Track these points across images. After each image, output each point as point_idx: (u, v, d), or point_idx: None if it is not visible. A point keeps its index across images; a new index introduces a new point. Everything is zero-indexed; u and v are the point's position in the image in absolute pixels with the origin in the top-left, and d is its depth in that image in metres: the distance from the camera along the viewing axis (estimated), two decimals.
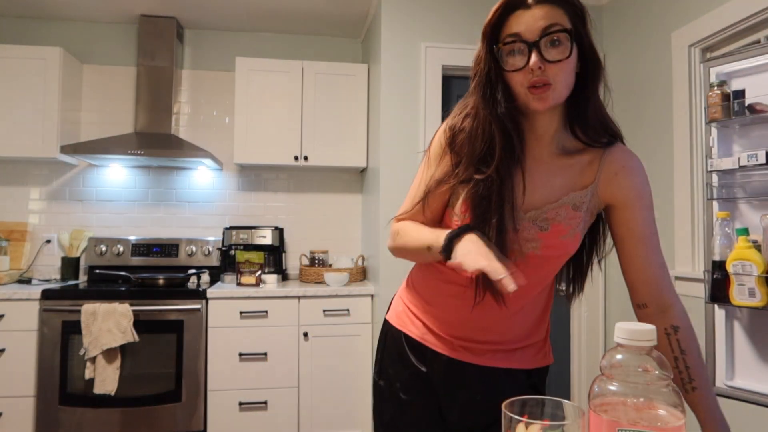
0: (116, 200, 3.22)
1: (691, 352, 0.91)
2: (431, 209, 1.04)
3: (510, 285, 0.76)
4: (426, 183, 1.04)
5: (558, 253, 0.98)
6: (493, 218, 0.91)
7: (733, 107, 1.62)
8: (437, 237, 0.94)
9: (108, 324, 2.49)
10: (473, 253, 0.83)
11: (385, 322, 1.19)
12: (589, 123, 0.97)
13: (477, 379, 1.05)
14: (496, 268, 0.78)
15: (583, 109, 0.96)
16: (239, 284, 2.86)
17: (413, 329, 1.11)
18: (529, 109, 0.91)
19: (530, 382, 1.08)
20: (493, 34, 0.91)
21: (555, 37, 0.86)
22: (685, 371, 0.90)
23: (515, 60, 0.88)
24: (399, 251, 1.08)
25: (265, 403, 2.69)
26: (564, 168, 0.97)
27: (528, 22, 0.86)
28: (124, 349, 2.54)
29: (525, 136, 0.96)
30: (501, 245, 0.91)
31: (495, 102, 0.92)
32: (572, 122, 0.97)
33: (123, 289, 2.68)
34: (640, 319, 0.98)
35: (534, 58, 0.85)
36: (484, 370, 1.05)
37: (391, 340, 1.15)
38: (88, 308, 2.50)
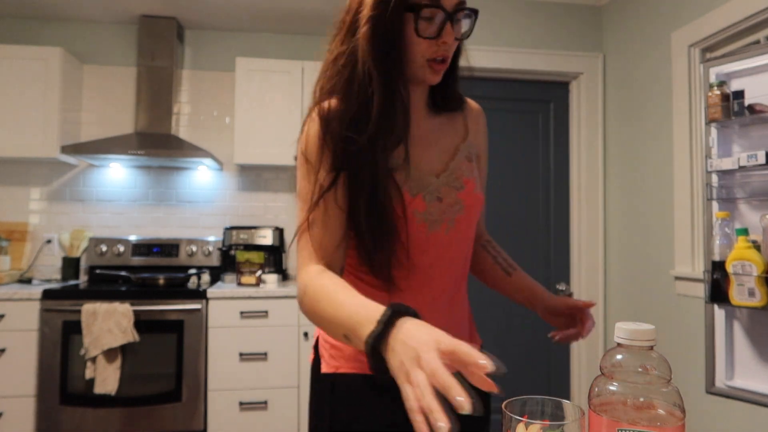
0: (116, 200, 3.22)
1: (500, 250, 1.11)
2: (337, 213, 0.85)
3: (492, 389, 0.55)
4: (318, 184, 0.84)
5: (476, 211, 0.95)
6: (381, 187, 0.82)
7: (732, 107, 1.63)
8: (355, 324, 0.67)
9: (108, 324, 2.49)
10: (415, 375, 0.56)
11: (323, 376, 0.93)
12: (451, 95, 0.97)
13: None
14: (453, 385, 0.52)
15: (450, 84, 0.94)
16: (239, 284, 2.86)
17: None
18: (420, 79, 0.87)
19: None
20: None
21: (463, 15, 0.83)
22: (504, 262, 1.08)
23: (426, 27, 0.81)
24: (310, 316, 0.81)
25: (265, 403, 2.69)
26: (442, 126, 0.97)
27: None
28: (124, 349, 2.54)
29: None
30: (385, 217, 0.82)
31: (391, 62, 0.82)
32: (435, 93, 0.96)
33: (123, 289, 2.68)
34: None
35: (449, 30, 0.81)
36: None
37: (342, 392, 0.91)
38: (88, 308, 2.50)
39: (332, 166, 0.84)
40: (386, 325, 0.62)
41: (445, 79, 0.90)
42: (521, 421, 0.56)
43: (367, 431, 0.87)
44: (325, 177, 0.84)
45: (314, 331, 1.00)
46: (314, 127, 0.89)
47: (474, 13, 0.84)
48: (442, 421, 0.50)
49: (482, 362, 0.53)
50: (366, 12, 0.82)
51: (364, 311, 0.67)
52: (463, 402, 0.51)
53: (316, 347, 0.97)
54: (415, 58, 0.84)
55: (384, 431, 0.87)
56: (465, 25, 0.85)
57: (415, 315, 0.64)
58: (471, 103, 1.03)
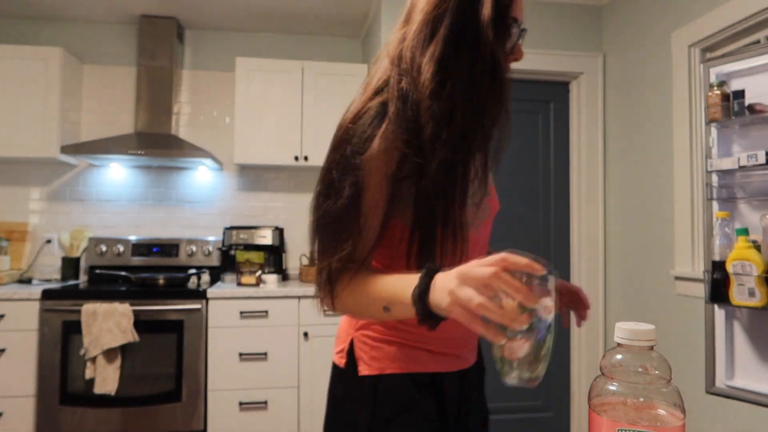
0: (116, 200, 3.22)
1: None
2: (372, 230, 0.83)
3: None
4: (374, 194, 0.80)
5: (493, 213, 0.96)
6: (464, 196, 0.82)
7: (732, 107, 1.62)
8: (396, 291, 0.74)
9: (108, 324, 2.49)
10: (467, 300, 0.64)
11: (363, 378, 0.92)
12: None
13: (475, 379, 1.03)
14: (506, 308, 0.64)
15: None
16: (239, 284, 2.86)
17: (418, 365, 0.92)
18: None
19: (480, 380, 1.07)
20: (506, 5, 0.81)
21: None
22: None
23: (509, 42, 0.83)
24: (346, 313, 0.87)
25: (265, 403, 2.69)
26: None
27: (522, 10, 0.84)
28: (124, 349, 2.54)
29: None
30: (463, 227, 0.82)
31: (497, 70, 0.81)
32: None
33: (123, 289, 2.68)
34: None
35: (520, 48, 0.84)
36: (474, 370, 1.02)
37: (386, 393, 0.91)
38: (88, 308, 2.50)
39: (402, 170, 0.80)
40: (428, 277, 0.70)
41: None
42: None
43: (409, 429, 0.89)
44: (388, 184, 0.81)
45: (341, 336, 0.99)
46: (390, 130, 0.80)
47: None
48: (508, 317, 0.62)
49: (537, 266, 0.64)
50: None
51: (403, 280, 0.74)
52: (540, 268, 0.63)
53: (350, 352, 0.95)
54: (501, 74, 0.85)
55: (425, 428, 0.89)
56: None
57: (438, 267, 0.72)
58: None
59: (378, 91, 0.84)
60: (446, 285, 0.66)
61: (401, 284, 0.74)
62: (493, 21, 0.78)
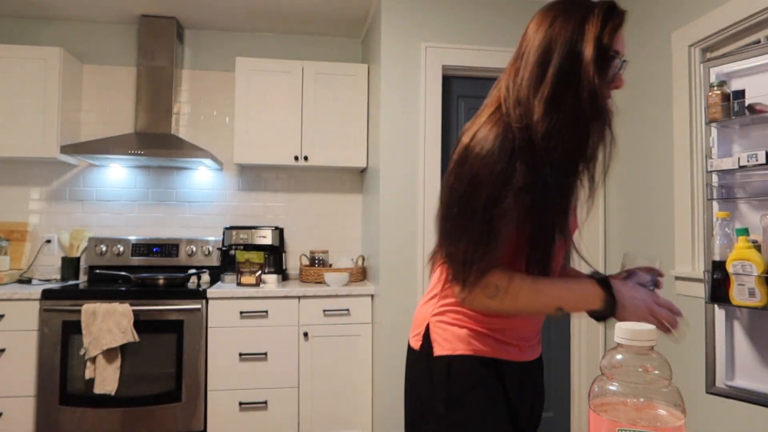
0: (116, 200, 3.22)
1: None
2: (505, 237, 0.96)
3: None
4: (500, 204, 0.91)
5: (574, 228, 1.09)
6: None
7: (733, 107, 1.62)
8: (570, 295, 0.96)
9: (108, 324, 2.49)
10: (645, 311, 0.95)
11: (438, 358, 1.04)
12: None
13: (536, 372, 1.13)
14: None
15: None
16: (239, 284, 2.86)
17: (484, 348, 1.03)
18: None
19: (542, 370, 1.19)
20: (610, 38, 0.92)
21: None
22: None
23: (610, 73, 0.94)
24: (508, 311, 1.00)
25: (265, 403, 2.69)
26: None
27: (623, 43, 0.94)
28: (124, 349, 2.54)
29: None
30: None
31: (602, 104, 0.93)
32: None
33: (123, 289, 2.68)
34: None
35: (622, 76, 0.94)
36: (535, 363, 1.13)
37: (459, 370, 1.02)
38: (88, 308, 2.50)
39: (527, 183, 0.90)
40: (607, 291, 0.94)
41: None
42: None
43: (482, 402, 1.01)
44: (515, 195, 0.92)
45: (418, 321, 1.12)
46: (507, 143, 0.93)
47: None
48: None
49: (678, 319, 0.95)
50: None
51: (581, 291, 0.96)
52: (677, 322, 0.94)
53: (425, 335, 1.07)
54: (603, 103, 0.94)
55: (495, 401, 1.02)
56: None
57: (606, 278, 0.97)
58: None
59: (494, 114, 0.96)
60: (636, 309, 0.95)
61: (579, 292, 0.96)
62: (595, 60, 0.90)
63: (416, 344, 1.09)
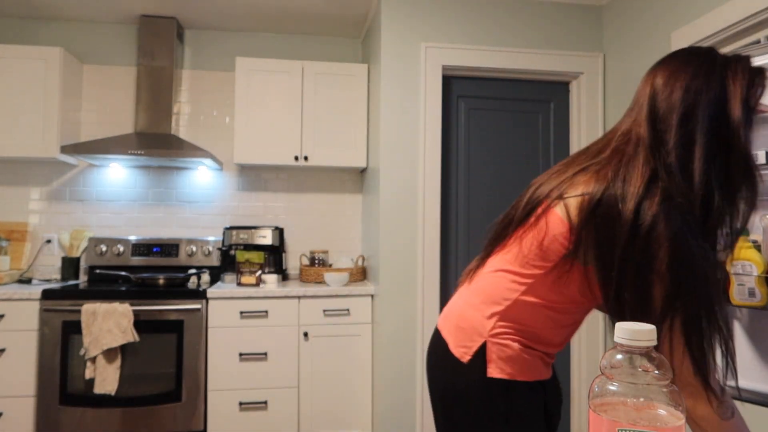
0: (116, 200, 3.22)
1: None
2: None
3: None
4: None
5: None
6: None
7: None
8: None
9: (108, 324, 2.49)
10: None
11: (493, 380, 1.04)
12: None
13: (557, 387, 1.15)
14: None
15: None
16: (239, 284, 2.86)
17: (536, 373, 1.05)
18: None
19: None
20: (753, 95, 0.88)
21: None
22: None
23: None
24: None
25: (265, 403, 2.69)
26: None
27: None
28: (124, 349, 2.54)
29: None
30: None
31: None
32: None
33: (123, 289, 2.68)
34: None
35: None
36: (555, 379, 1.16)
37: (515, 395, 1.03)
38: (88, 308, 2.50)
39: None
40: None
41: None
42: None
43: (534, 423, 1.03)
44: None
45: (469, 334, 1.08)
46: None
47: None
48: None
49: None
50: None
51: None
52: None
53: (480, 353, 1.05)
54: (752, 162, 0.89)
55: (543, 420, 1.05)
56: None
57: None
58: None
59: (651, 181, 0.88)
60: None
61: None
62: (743, 122, 0.86)
63: (464, 357, 1.06)
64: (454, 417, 1.07)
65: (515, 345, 1.03)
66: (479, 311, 1.06)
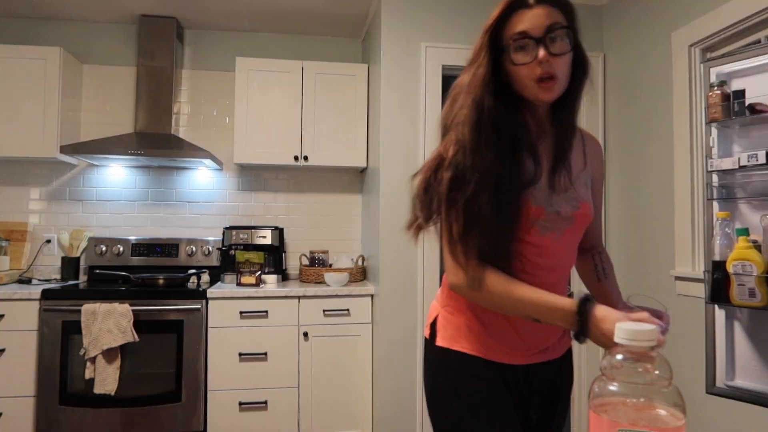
0: (116, 200, 3.22)
1: (605, 260, 1.27)
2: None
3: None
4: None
5: (583, 227, 1.12)
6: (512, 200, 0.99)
7: (733, 107, 1.62)
8: (544, 308, 0.95)
9: (108, 324, 2.49)
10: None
11: (438, 348, 1.13)
12: (573, 115, 1.07)
13: (550, 373, 1.15)
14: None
15: (571, 103, 1.05)
16: (239, 284, 2.86)
17: (483, 348, 1.09)
18: (537, 100, 0.99)
19: (565, 366, 1.21)
20: (496, 32, 0.99)
21: (557, 34, 0.96)
22: (601, 271, 1.25)
23: (522, 56, 0.96)
24: (488, 305, 1.05)
25: (265, 403, 2.69)
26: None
27: (532, 20, 0.96)
28: (124, 349, 2.54)
29: (531, 127, 1.06)
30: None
31: (495, 93, 0.99)
32: (557, 113, 1.07)
33: (123, 289, 2.68)
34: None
35: (542, 52, 0.94)
36: (550, 365, 1.15)
37: (455, 362, 1.10)
38: (88, 308, 2.50)
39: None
40: (585, 313, 0.90)
41: (562, 105, 1.04)
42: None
43: (478, 398, 1.07)
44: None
45: (431, 311, 1.19)
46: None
47: (566, 28, 0.96)
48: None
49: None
50: (477, 56, 1.01)
51: (557, 307, 0.94)
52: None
53: (433, 324, 1.16)
54: (524, 82, 0.98)
55: (493, 400, 1.07)
56: (561, 43, 0.96)
57: (592, 300, 0.92)
58: (592, 137, 1.20)
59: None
60: (602, 338, 0.87)
61: (553, 307, 0.94)
62: (489, 49, 1.00)
63: (427, 332, 1.18)
64: (427, 395, 1.15)
65: (460, 315, 1.11)
66: (443, 285, 1.17)
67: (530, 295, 0.96)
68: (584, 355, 2.86)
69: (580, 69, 1.02)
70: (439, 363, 1.13)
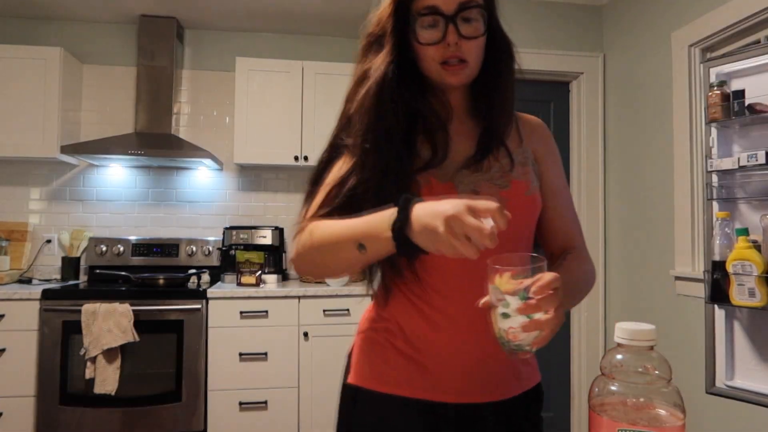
0: (116, 200, 3.22)
1: (571, 262, 0.93)
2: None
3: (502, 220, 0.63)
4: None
5: (524, 213, 0.90)
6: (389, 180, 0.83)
7: (733, 107, 1.62)
8: (365, 223, 0.74)
9: (108, 324, 2.49)
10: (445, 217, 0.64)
11: (348, 385, 0.94)
12: (501, 98, 0.93)
13: (493, 419, 0.87)
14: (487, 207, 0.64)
15: (495, 87, 0.93)
16: (239, 284, 2.86)
17: (401, 380, 0.87)
18: (442, 83, 0.89)
19: (526, 413, 0.93)
20: (405, 3, 0.86)
21: (471, 14, 0.84)
22: (560, 264, 0.91)
23: (429, 33, 0.84)
24: (308, 260, 0.86)
25: (265, 403, 2.69)
26: None
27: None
28: (124, 349, 2.54)
29: (437, 107, 0.92)
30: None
31: (396, 67, 0.86)
32: (479, 101, 0.95)
33: (123, 289, 2.68)
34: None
35: (451, 32, 0.83)
36: (498, 407, 0.88)
37: (364, 408, 0.90)
38: (88, 308, 2.50)
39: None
40: (405, 209, 0.69)
41: (485, 87, 0.92)
42: (497, 270, 0.66)
43: None
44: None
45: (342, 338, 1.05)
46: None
47: (481, 8, 0.85)
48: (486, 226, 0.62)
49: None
50: (379, 28, 0.90)
51: (377, 215, 0.73)
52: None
53: (350, 356, 1.00)
54: (429, 63, 0.87)
55: None
56: (475, 24, 0.85)
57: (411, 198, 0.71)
58: (529, 117, 1.03)
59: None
60: (429, 215, 0.66)
61: (378, 217, 0.73)
62: (394, 20, 0.87)
63: (344, 365, 0.99)
64: None
65: (377, 342, 0.94)
66: (368, 308, 1.06)
67: (353, 219, 0.78)
68: (584, 355, 2.86)
69: (501, 52, 0.92)
70: (346, 408, 0.92)
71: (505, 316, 0.67)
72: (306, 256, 0.85)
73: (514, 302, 0.66)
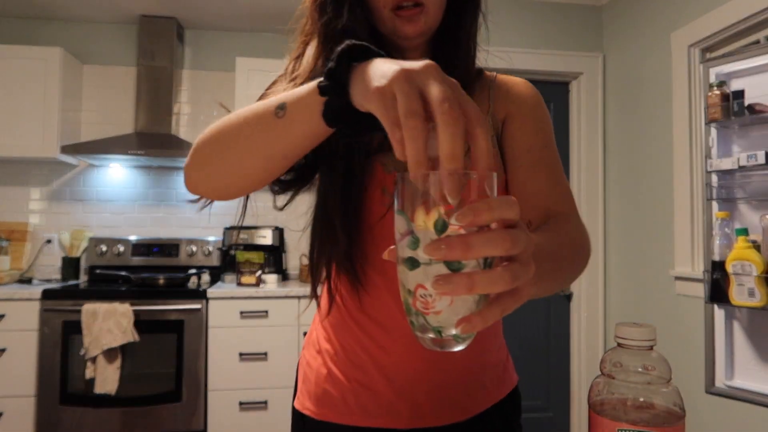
0: (116, 200, 3.22)
1: (551, 224, 0.70)
2: None
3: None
4: None
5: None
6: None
7: (732, 107, 1.63)
8: (299, 90, 0.54)
9: (108, 324, 2.49)
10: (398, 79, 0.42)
11: (294, 410, 0.86)
12: (461, 53, 0.79)
13: None
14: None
15: (456, 40, 0.78)
16: (239, 284, 2.86)
17: (344, 403, 0.78)
18: (396, 35, 0.72)
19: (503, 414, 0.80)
20: None
21: None
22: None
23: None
24: (206, 152, 0.65)
25: (265, 403, 2.69)
26: None
27: None
28: (124, 348, 2.54)
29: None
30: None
31: (345, 19, 0.71)
32: (438, 60, 0.78)
33: (123, 289, 2.68)
34: None
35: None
36: (464, 428, 0.75)
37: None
38: (88, 308, 2.50)
39: None
40: (345, 58, 0.49)
41: (446, 46, 0.78)
42: (404, 178, 0.40)
43: None
44: None
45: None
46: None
47: None
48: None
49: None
50: None
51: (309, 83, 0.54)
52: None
53: (297, 371, 0.88)
54: (380, 12, 0.71)
55: None
56: None
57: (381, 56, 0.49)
58: (513, 78, 0.87)
59: None
60: (381, 71, 0.45)
61: (304, 87, 0.54)
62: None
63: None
64: None
65: (318, 357, 0.82)
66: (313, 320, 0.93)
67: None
68: (584, 355, 2.87)
69: (465, 1, 0.77)
70: (295, 427, 0.83)
71: (412, 264, 0.39)
72: (204, 146, 0.64)
73: (426, 237, 0.38)
